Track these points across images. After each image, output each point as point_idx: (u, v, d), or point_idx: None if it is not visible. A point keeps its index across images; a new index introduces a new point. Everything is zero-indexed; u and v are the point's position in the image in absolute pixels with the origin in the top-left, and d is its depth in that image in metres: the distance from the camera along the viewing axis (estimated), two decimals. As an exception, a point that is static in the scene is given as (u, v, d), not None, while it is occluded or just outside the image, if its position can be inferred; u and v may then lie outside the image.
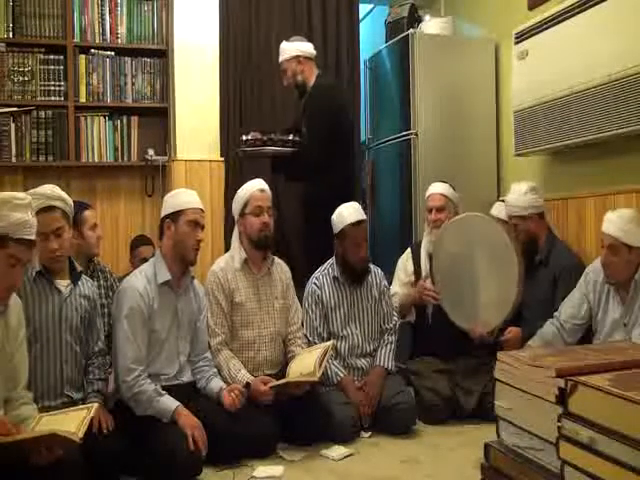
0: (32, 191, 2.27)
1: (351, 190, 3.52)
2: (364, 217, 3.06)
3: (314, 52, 3.54)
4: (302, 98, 3.53)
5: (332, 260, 3.08)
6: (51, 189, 2.31)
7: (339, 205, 3.02)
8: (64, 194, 2.34)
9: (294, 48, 3.47)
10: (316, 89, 3.42)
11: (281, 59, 3.51)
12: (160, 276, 2.55)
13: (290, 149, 3.39)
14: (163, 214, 2.62)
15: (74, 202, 2.47)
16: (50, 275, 2.30)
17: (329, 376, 2.88)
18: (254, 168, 3.73)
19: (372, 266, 3.15)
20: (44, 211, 2.23)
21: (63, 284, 2.35)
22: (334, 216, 3.03)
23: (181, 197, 2.62)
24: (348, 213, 3.00)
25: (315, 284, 3.03)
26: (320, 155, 3.28)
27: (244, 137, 3.43)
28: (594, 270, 2.74)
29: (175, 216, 2.57)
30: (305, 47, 3.50)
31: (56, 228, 2.28)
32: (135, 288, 2.49)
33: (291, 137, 3.40)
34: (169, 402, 2.38)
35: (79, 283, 2.42)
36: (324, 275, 3.05)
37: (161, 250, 2.62)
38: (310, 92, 3.42)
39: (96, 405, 2.06)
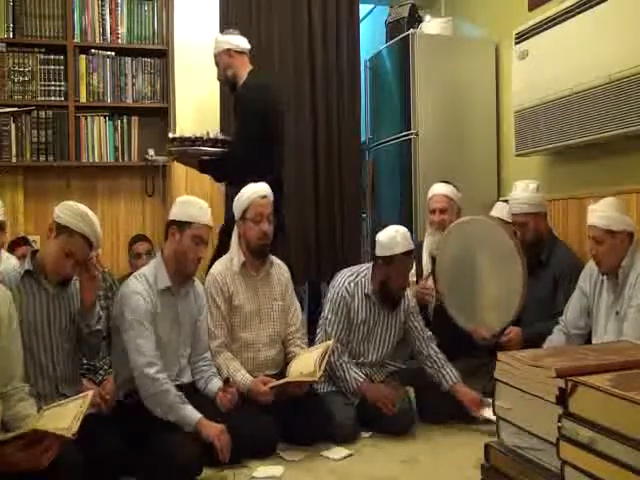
0: (74, 207, 2.26)
1: (282, 193, 3.28)
2: (413, 246, 2.89)
3: (247, 47, 3.38)
4: (233, 93, 3.41)
5: (366, 271, 2.94)
6: (92, 220, 2.27)
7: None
8: (99, 228, 2.30)
9: (225, 41, 3.33)
10: (246, 87, 3.27)
11: (213, 52, 3.39)
12: (161, 282, 2.53)
13: (220, 149, 3.25)
14: (171, 218, 2.58)
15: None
16: (39, 275, 2.27)
17: (347, 380, 2.80)
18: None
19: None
20: (80, 237, 2.23)
21: (51, 284, 2.31)
22: (383, 238, 2.83)
23: (192, 209, 2.56)
24: (402, 240, 2.80)
25: (347, 290, 2.89)
26: (247, 155, 3.13)
27: (171, 135, 3.32)
28: (590, 266, 2.75)
29: (182, 226, 2.53)
30: (237, 40, 3.35)
31: (79, 259, 2.28)
32: (138, 292, 2.46)
33: (222, 137, 3.28)
34: (193, 412, 2.34)
35: (69, 282, 2.40)
36: (356, 286, 2.91)
37: (162, 253, 2.60)
38: (240, 90, 3.29)
39: (90, 394, 2.05)
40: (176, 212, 2.58)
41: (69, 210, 2.26)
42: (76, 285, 2.43)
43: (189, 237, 2.52)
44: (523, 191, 3.11)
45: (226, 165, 3.20)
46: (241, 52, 3.34)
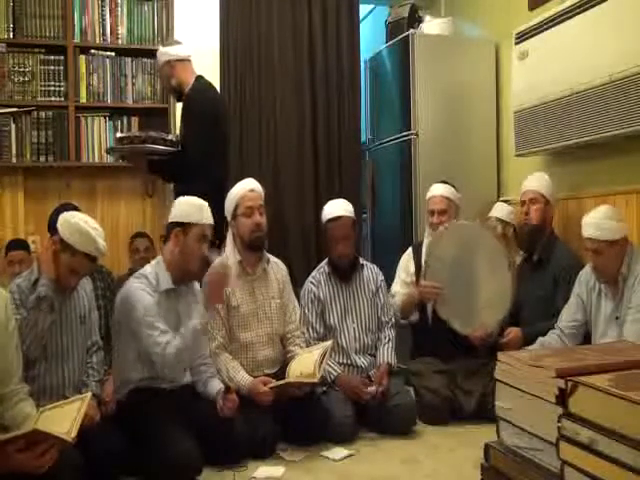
0: (79, 227, 2.26)
1: (226, 190, 3.19)
2: (346, 214, 3.05)
3: (187, 54, 3.39)
4: (180, 101, 3.45)
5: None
6: (96, 240, 2.28)
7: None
8: (102, 244, 2.31)
9: (164, 53, 3.37)
10: (194, 90, 3.31)
11: (157, 65, 3.46)
12: (163, 284, 2.52)
13: (170, 148, 3.22)
14: (173, 220, 2.56)
15: (62, 205, 2.44)
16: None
17: (324, 375, 2.85)
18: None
19: (367, 262, 3.21)
20: (84, 256, 2.27)
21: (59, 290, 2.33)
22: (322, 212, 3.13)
23: (194, 209, 2.56)
24: (330, 209, 3.07)
25: (312, 282, 3.08)
26: (199, 155, 3.14)
27: (118, 135, 3.31)
28: (586, 272, 2.76)
29: (186, 228, 2.53)
30: (175, 50, 3.37)
31: (83, 275, 2.37)
32: (142, 289, 2.45)
33: (170, 137, 3.28)
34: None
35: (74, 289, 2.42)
36: (320, 272, 3.10)
37: (163, 255, 2.59)
38: (188, 93, 3.32)
39: (89, 395, 2.05)
40: (177, 214, 2.57)
41: (74, 229, 2.26)
42: (84, 287, 2.46)
43: (194, 238, 2.53)
44: (539, 177, 3.20)
45: (179, 164, 3.18)
46: (181, 60, 3.36)
